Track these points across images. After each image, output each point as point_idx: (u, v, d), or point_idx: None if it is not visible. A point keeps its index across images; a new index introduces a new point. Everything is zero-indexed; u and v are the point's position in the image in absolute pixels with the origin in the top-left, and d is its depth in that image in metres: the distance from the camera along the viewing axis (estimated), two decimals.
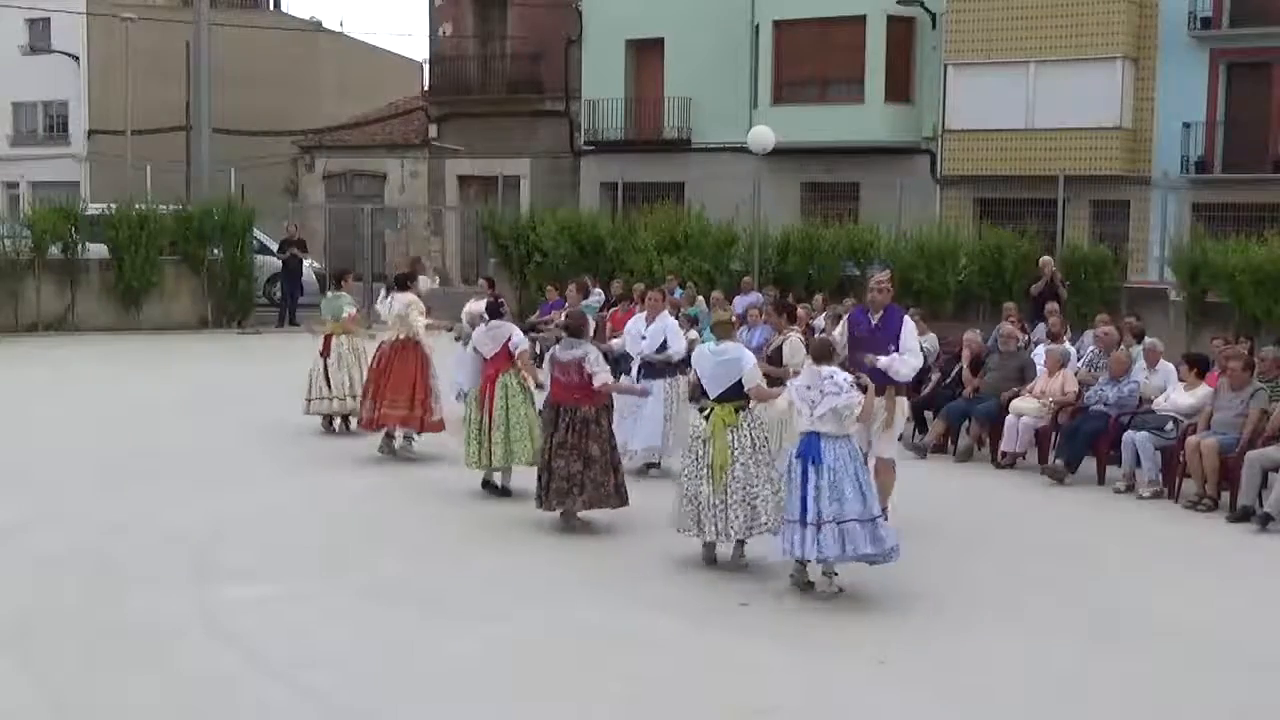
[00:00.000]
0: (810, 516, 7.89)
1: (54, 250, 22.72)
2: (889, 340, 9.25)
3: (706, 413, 8.71)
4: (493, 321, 10.91)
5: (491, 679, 6.81)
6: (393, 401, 12.18)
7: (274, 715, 6.33)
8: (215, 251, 24.12)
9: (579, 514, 9.66)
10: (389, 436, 12.49)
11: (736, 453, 8.53)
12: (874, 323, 9.37)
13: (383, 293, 13.32)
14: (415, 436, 12.51)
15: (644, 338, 11.87)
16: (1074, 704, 6.66)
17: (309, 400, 13.50)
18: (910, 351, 9.31)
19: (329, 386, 13.36)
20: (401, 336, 12.40)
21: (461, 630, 7.54)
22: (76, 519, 9.84)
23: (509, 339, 10.72)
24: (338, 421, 13.63)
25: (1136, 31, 24.85)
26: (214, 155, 26.84)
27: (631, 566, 8.91)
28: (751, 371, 8.70)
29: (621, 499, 9.61)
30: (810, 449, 8.00)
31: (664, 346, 11.73)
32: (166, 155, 32.31)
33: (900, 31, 26.92)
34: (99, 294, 23.28)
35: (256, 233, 25.22)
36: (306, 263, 25.37)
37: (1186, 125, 24.32)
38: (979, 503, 10.99)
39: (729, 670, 6.98)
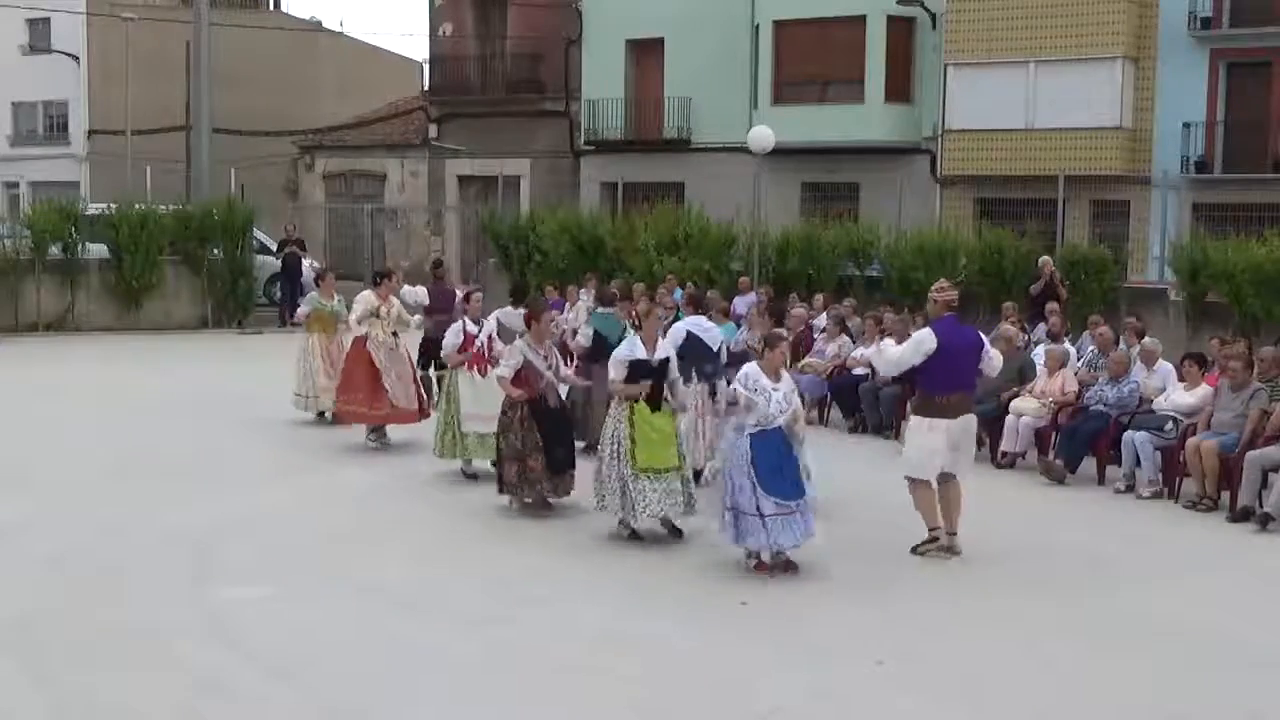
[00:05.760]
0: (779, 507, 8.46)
1: (54, 250, 22.73)
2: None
3: None
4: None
5: (493, 680, 6.81)
6: (375, 398, 12.63)
7: (274, 715, 6.33)
8: (215, 251, 24.13)
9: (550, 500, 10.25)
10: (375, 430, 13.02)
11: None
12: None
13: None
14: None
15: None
16: (1074, 704, 6.66)
17: (304, 397, 14.04)
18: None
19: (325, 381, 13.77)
20: (361, 333, 12.90)
21: (463, 631, 7.54)
22: (76, 519, 9.84)
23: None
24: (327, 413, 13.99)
25: (1136, 31, 24.84)
26: (214, 155, 26.84)
27: (632, 567, 8.93)
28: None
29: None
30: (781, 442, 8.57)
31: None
32: (166, 155, 32.29)
33: (900, 31, 26.90)
34: (99, 294, 23.30)
35: (256, 232, 25.24)
36: (306, 262, 25.39)
37: (1186, 125, 24.30)
38: (978, 503, 10.95)
39: (729, 670, 6.98)
